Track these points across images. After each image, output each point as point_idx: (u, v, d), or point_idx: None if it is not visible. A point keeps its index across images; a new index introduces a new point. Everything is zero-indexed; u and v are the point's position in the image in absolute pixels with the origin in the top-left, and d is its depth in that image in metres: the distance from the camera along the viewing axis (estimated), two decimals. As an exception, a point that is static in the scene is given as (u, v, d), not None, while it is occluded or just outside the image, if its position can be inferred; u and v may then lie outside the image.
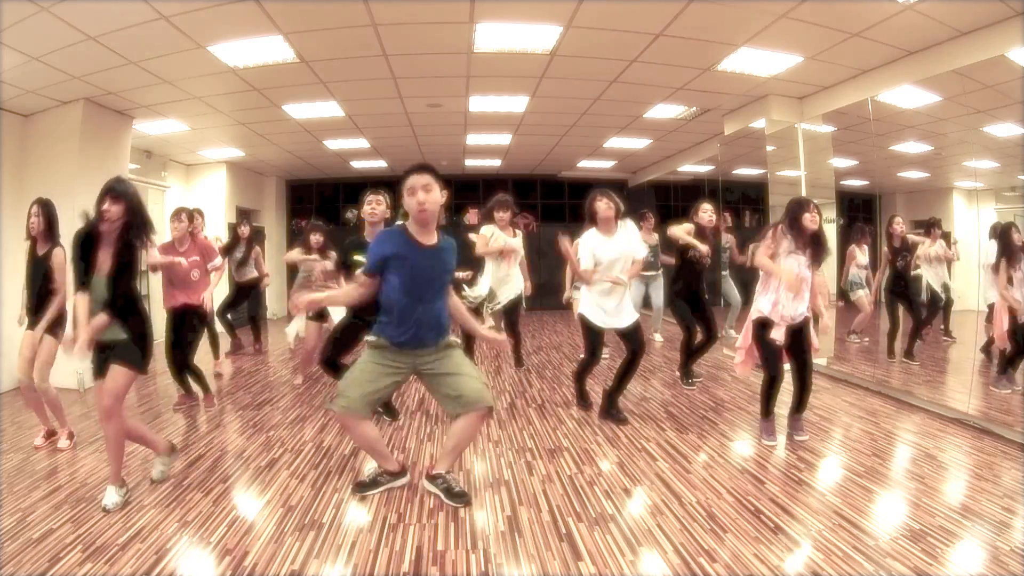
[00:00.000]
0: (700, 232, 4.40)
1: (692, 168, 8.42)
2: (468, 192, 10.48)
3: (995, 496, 2.49)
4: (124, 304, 2.53)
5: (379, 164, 8.82)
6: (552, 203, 10.64)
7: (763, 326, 3.23)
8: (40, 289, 3.33)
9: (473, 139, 7.32)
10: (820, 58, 4.35)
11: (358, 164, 8.82)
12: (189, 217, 4.28)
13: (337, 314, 4.18)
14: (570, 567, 2.02)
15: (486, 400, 2.49)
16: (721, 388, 4.50)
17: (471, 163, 9.15)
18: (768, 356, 3.27)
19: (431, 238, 2.40)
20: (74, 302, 2.51)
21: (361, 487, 2.66)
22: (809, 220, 3.17)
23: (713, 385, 4.60)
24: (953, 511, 2.36)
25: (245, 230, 6.23)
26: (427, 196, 2.30)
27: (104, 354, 2.56)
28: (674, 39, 4.05)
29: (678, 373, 4.77)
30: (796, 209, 3.20)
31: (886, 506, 2.45)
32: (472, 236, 4.81)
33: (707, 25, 3.83)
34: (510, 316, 4.90)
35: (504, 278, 4.77)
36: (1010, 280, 3.95)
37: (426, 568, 2.03)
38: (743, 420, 3.66)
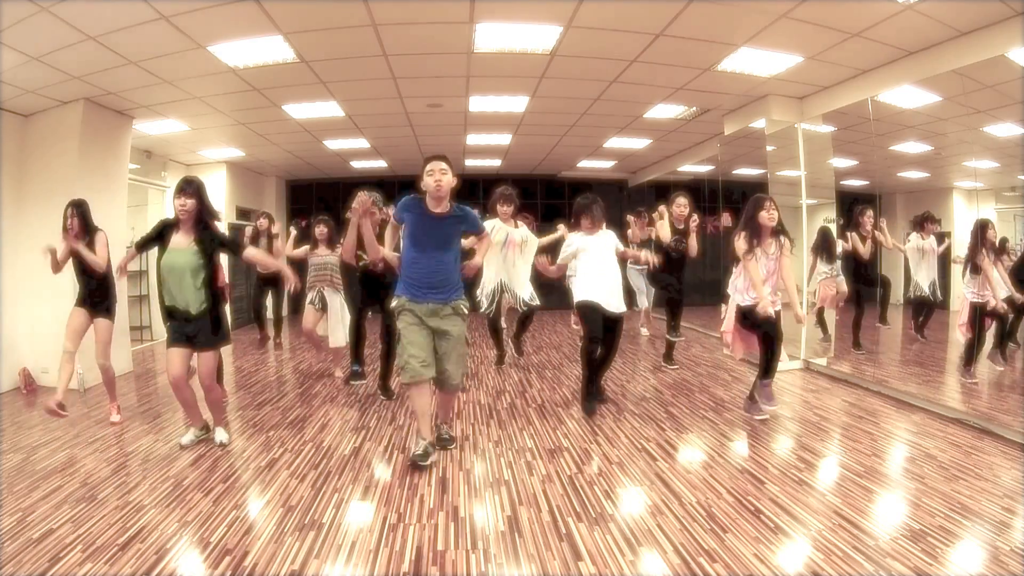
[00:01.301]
0: (672, 223, 4.96)
1: (692, 168, 8.41)
2: (468, 192, 10.48)
3: (995, 496, 2.49)
4: (207, 289, 3.20)
5: (379, 164, 8.81)
6: (552, 203, 10.63)
7: (744, 315, 3.58)
8: (90, 279, 3.76)
9: (473, 139, 7.32)
10: (820, 58, 4.35)
11: (358, 164, 8.82)
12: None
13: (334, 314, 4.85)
14: (570, 567, 2.02)
15: (452, 386, 3.10)
16: (721, 388, 4.50)
17: (471, 163, 9.15)
18: (756, 324, 3.56)
19: (442, 208, 3.03)
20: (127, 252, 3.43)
21: (419, 459, 2.92)
22: (766, 218, 3.48)
23: (713, 385, 4.60)
24: (953, 511, 2.36)
25: (264, 223, 6.47)
26: (443, 177, 2.96)
27: (178, 328, 3.19)
28: (674, 39, 4.05)
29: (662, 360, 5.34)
30: (752, 209, 3.53)
31: (886, 506, 2.45)
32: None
33: (707, 25, 3.83)
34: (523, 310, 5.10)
35: (514, 271, 4.91)
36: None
37: (426, 568, 2.03)
38: (743, 420, 3.66)
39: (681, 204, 5.02)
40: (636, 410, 3.92)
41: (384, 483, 2.76)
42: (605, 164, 9.20)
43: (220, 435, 3.35)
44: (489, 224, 4.87)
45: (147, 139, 6.34)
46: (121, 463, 3.05)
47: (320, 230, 5.03)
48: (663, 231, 4.98)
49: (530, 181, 10.49)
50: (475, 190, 10.48)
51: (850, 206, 5.64)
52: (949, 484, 2.65)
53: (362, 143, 7.31)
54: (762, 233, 3.52)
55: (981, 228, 4.15)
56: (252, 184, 9.20)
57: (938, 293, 5.17)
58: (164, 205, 7.68)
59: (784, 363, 3.53)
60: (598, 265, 3.83)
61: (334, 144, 7.35)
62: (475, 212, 3.17)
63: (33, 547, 2.17)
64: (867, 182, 6.07)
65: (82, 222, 3.71)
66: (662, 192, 10.33)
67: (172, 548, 2.16)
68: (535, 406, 4.07)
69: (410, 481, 2.77)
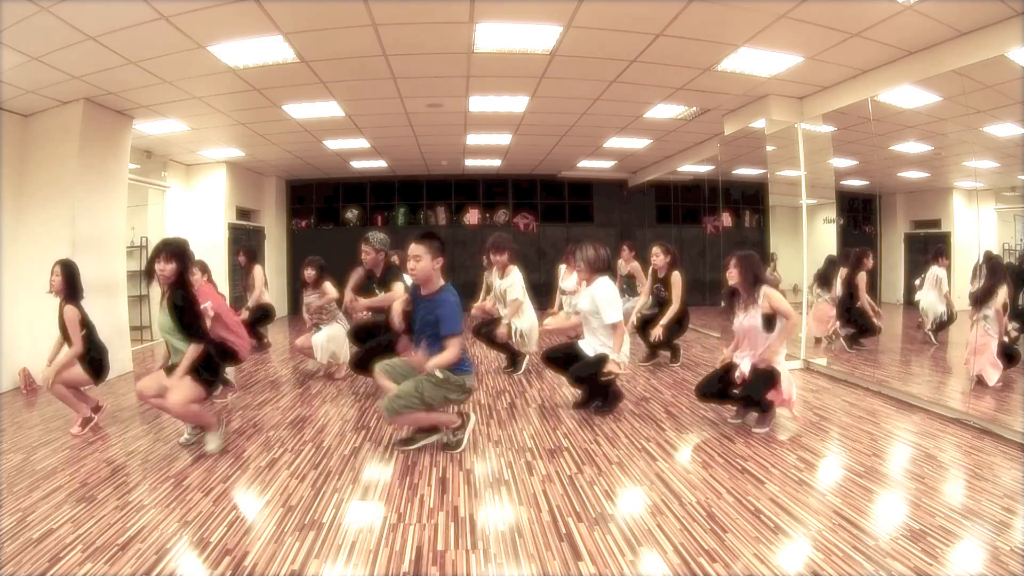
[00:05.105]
0: (654, 273, 5.19)
1: (692, 168, 8.41)
2: (468, 192, 10.48)
3: (995, 496, 2.49)
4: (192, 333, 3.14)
5: (379, 164, 8.82)
6: (552, 203, 10.63)
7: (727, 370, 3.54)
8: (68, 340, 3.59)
9: (473, 139, 7.32)
10: (820, 58, 4.34)
11: (358, 164, 8.82)
12: (202, 269, 4.56)
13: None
14: (570, 567, 2.02)
15: (383, 406, 3.01)
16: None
17: (471, 163, 9.15)
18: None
19: (430, 290, 3.03)
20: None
21: (404, 443, 3.20)
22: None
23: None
24: (953, 511, 2.36)
25: (242, 259, 6.52)
26: (416, 264, 2.94)
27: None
28: (674, 39, 4.05)
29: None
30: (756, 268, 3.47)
31: (886, 506, 2.45)
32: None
33: (707, 25, 3.83)
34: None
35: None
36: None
37: (426, 568, 2.03)
38: (743, 420, 3.65)
39: (656, 253, 5.16)
40: (636, 410, 3.92)
41: (384, 483, 2.76)
42: (605, 164, 9.20)
43: (211, 443, 3.19)
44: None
45: (147, 139, 6.34)
46: (121, 463, 3.05)
47: (309, 272, 5.05)
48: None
49: (530, 181, 10.49)
50: (475, 190, 10.49)
51: (850, 205, 5.65)
52: (949, 484, 2.66)
53: (362, 143, 7.31)
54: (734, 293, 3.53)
55: (997, 263, 4.13)
56: (252, 184, 9.21)
57: (953, 313, 5.24)
58: (164, 206, 7.69)
59: (785, 363, 3.48)
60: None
61: (334, 144, 7.35)
62: (454, 308, 2.93)
63: (33, 547, 2.17)
64: (867, 182, 6.08)
65: (67, 282, 3.50)
66: (662, 192, 10.39)
67: (172, 548, 2.16)
68: (535, 406, 4.07)
69: (410, 481, 2.77)
